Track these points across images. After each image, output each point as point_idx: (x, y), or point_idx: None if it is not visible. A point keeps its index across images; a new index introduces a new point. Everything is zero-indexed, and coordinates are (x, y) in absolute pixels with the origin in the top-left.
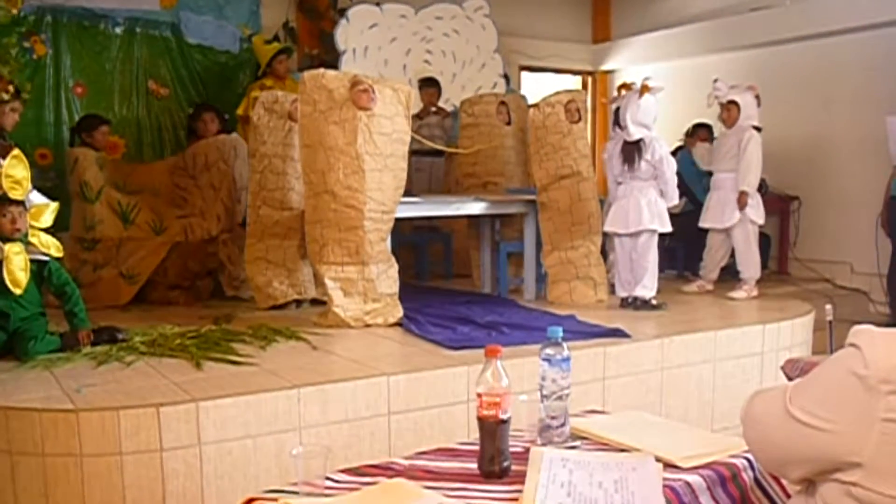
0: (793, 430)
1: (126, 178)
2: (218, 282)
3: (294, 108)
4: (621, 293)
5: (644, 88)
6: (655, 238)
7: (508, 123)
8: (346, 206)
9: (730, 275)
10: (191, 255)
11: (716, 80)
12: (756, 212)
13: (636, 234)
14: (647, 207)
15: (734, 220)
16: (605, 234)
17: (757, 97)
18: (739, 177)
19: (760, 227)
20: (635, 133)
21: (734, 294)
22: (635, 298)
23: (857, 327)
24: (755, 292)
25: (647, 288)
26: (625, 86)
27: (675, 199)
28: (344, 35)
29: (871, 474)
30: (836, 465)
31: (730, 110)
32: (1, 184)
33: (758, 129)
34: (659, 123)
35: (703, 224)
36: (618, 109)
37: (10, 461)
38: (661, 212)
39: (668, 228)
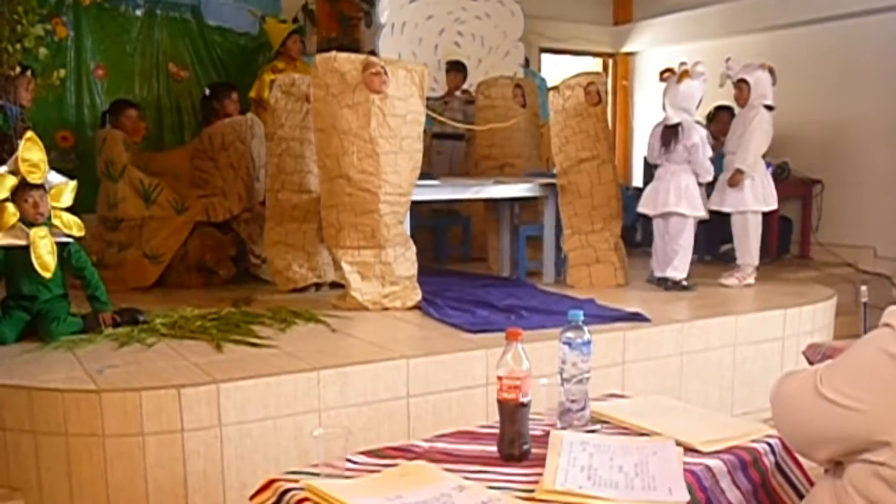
0: (823, 410)
1: (148, 164)
2: (237, 267)
3: (311, 90)
4: (656, 272)
5: (684, 73)
6: (688, 222)
7: (524, 106)
8: (362, 189)
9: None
10: (208, 249)
11: (728, 59)
12: (757, 198)
13: (667, 217)
14: (676, 191)
15: (737, 204)
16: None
17: (772, 74)
18: (739, 154)
19: (771, 212)
20: (674, 117)
21: (726, 281)
22: (666, 279)
23: (891, 307)
24: (750, 280)
25: (678, 270)
26: (668, 70)
27: (708, 176)
28: (386, 8)
29: None
30: (865, 444)
31: (741, 89)
32: (19, 169)
33: (769, 108)
34: None
35: (710, 206)
36: None
37: (33, 441)
38: (693, 196)
39: (699, 213)
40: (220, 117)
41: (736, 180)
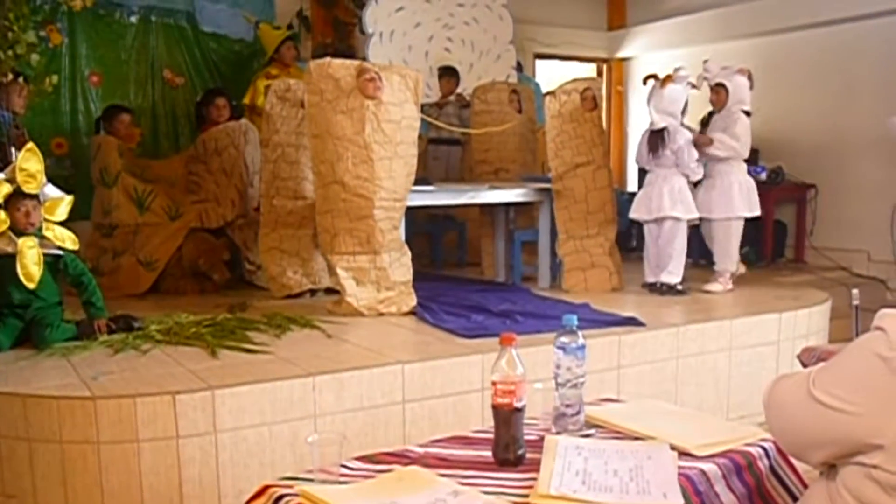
0: (816, 413)
1: (143, 171)
2: (232, 272)
3: (306, 96)
4: (648, 278)
5: (667, 78)
6: (682, 225)
7: (520, 111)
8: (356, 195)
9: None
10: (202, 253)
11: (706, 62)
12: (745, 203)
13: (661, 222)
14: (669, 195)
15: (726, 210)
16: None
17: (750, 80)
18: (725, 138)
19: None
20: (659, 122)
21: (709, 287)
22: (662, 284)
23: (883, 311)
24: (730, 285)
25: (673, 274)
26: (651, 75)
27: (696, 175)
28: (373, 17)
29: (893, 456)
30: (858, 447)
31: (718, 93)
32: (15, 177)
33: (747, 113)
34: None
35: (699, 213)
36: None
37: (28, 448)
38: (686, 199)
39: (692, 215)
40: (208, 123)
41: (705, 142)
